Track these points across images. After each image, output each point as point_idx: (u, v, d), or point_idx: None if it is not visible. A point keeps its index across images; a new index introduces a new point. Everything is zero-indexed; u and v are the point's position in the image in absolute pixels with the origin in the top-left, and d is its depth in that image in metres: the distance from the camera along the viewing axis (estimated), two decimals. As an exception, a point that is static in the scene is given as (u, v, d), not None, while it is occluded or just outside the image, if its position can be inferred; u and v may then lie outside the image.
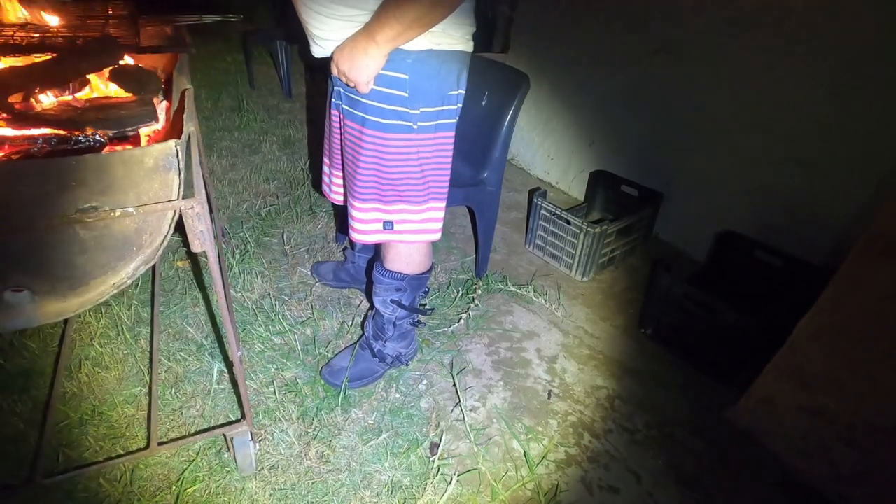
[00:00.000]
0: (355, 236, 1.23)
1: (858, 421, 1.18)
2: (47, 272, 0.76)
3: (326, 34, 1.03)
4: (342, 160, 1.24)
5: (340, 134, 1.21)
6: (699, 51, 1.91)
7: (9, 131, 1.02)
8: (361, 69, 0.98)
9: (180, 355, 1.43)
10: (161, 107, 1.19)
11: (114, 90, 1.20)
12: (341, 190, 1.34)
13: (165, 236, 0.80)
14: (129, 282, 0.81)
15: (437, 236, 1.25)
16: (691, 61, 1.95)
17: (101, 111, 1.11)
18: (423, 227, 1.22)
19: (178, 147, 0.75)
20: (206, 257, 0.85)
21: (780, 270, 1.68)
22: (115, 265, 0.79)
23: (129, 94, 1.20)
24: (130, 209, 0.74)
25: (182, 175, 0.77)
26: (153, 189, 0.76)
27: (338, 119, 1.19)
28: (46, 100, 1.11)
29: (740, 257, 1.79)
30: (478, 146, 1.73)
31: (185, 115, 0.89)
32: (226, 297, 0.95)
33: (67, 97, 1.14)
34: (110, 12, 1.25)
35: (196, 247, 0.80)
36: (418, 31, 0.94)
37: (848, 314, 1.16)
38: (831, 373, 1.21)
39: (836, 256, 1.55)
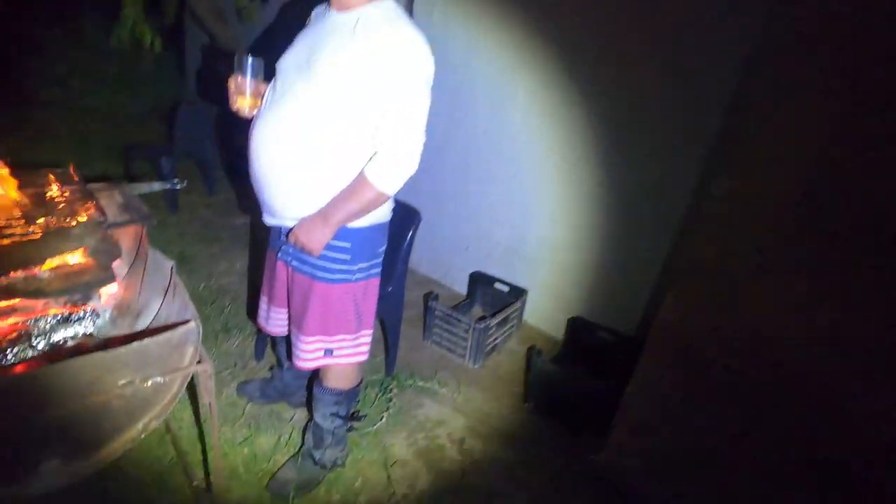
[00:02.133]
0: (301, 364, 1.49)
1: (676, 453, 1.71)
2: (79, 441, 0.91)
3: (288, 213, 1.35)
4: (287, 301, 1.52)
5: (287, 281, 1.50)
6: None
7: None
8: (316, 242, 1.31)
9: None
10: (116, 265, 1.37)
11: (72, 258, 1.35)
12: (282, 323, 1.60)
13: (177, 394, 1.00)
14: (143, 435, 0.99)
15: (367, 356, 1.57)
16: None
17: (65, 279, 1.27)
18: (357, 350, 1.54)
19: (198, 324, 0.99)
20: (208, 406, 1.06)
21: (614, 345, 2.28)
22: (135, 423, 0.97)
23: (87, 259, 1.36)
24: (159, 378, 0.95)
25: (198, 346, 1.00)
26: (174, 358, 0.98)
27: (285, 270, 1.48)
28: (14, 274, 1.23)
29: (588, 336, 2.37)
30: (383, 265, 2.11)
31: (185, 298, 1.12)
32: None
33: (33, 270, 1.27)
34: (66, 193, 1.40)
35: (206, 399, 1.01)
36: (361, 217, 1.32)
37: (653, 382, 1.73)
38: (651, 422, 1.75)
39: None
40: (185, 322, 0.98)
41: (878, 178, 1.23)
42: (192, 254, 2.97)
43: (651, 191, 2.21)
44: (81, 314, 1.13)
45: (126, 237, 1.35)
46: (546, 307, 2.68)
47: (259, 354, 2.16)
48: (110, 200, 1.44)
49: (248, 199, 3.86)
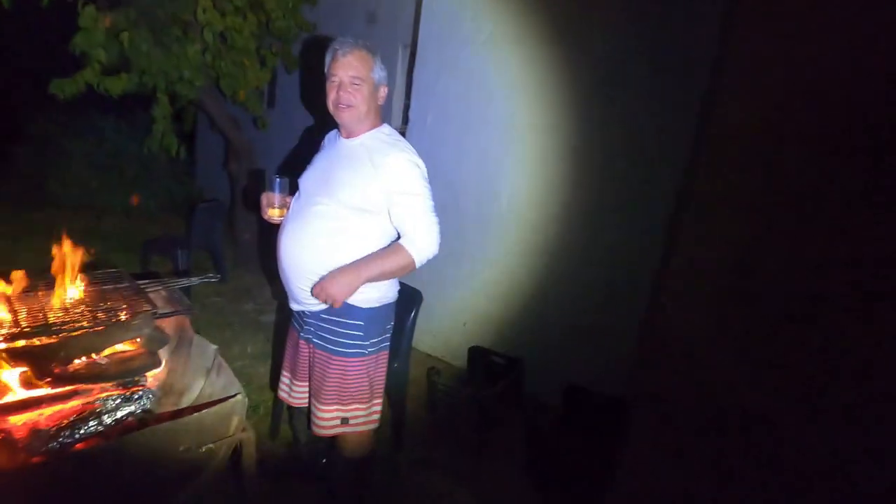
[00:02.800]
0: (319, 431, 1.65)
1: None
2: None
3: (310, 300, 1.58)
4: (308, 374, 1.71)
5: (309, 358, 1.69)
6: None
7: (49, 391, 1.34)
8: (343, 293, 1.49)
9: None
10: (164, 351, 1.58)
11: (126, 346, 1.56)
12: (303, 396, 1.76)
13: (224, 458, 1.17)
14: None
15: (378, 423, 1.73)
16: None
17: (120, 364, 1.47)
18: (370, 417, 1.70)
19: (244, 397, 1.18)
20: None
21: (606, 407, 2.43)
22: (188, 484, 1.13)
23: (137, 346, 1.56)
24: (211, 445, 1.12)
25: (243, 416, 1.19)
26: (224, 426, 1.16)
27: (307, 348, 1.69)
28: (77, 362, 1.44)
29: (582, 402, 2.51)
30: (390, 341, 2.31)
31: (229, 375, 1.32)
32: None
33: (95, 358, 1.47)
34: (121, 290, 1.64)
35: (247, 462, 1.18)
36: (384, 279, 1.55)
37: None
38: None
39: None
40: (234, 396, 1.17)
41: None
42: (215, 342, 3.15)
43: (621, 266, 2.48)
44: (140, 394, 1.32)
45: (171, 326, 1.57)
46: (546, 373, 2.84)
47: (274, 433, 2.28)
48: (157, 294, 1.67)
49: (259, 287, 4.12)
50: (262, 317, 3.66)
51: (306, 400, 1.76)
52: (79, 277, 1.57)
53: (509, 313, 2.96)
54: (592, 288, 2.61)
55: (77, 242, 1.63)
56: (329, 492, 1.74)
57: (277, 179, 1.60)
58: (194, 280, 1.79)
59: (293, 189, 1.67)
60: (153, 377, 1.51)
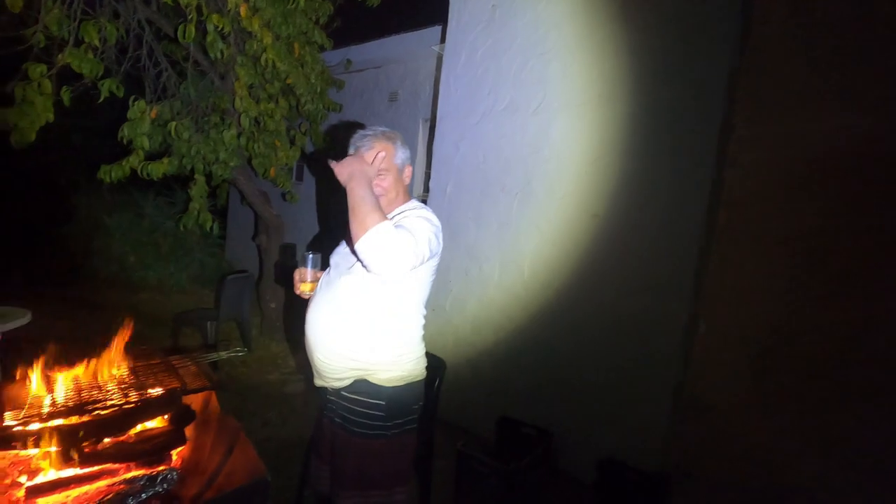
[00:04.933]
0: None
1: None
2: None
3: (335, 374, 1.58)
4: (331, 457, 1.66)
5: (330, 438, 1.65)
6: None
7: (78, 471, 1.35)
8: (344, 169, 1.44)
9: None
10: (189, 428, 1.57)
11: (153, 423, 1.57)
12: (325, 480, 1.70)
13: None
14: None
15: None
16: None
17: (146, 442, 1.48)
18: None
19: (267, 478, 1.17)
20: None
21: (640, 485, 2.28)
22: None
23: (163, 423, 1.57)
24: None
25: (267, 498, 1.16)
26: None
27: (329, 427, 1.65)
28: (105, 440, 1.45)
29: (615, 477, 2.37)
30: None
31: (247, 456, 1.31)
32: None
33: (122, 436, 1.48)
34: (152, 366, 1.68)
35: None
36: (354, 210, 1.38)
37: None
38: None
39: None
40: (259, 478, 1.16)
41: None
42: (230, 411, 3.13)
43: (651, 332, 2.42)
44: (164, 474, 1.31)
45: (198, 402, 1.58)
46: (574, 447, 2.71)
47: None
48: (186, 370, 1.70)
49: (284, 357, 4.14)
50: (286, 388, 3.64)
51: (328, 483, 1.70)
52: (115, 356, 1.62)
53: (537, 382, 2.88)
54: (622, 356, 2.54)
55: (113, 318, 1.69)
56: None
57: (310, 255, 1.65)
58: (223, 354, 1.82)
59: (325, 265, 1.72)
60: (178, 455, 1.51)
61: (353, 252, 1.61)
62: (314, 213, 5.42)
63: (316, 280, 1.68)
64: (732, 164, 1.94)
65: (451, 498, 2.48)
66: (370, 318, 1.54)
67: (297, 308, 1.66)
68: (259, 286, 4.69)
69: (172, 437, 1.50)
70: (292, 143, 4.21)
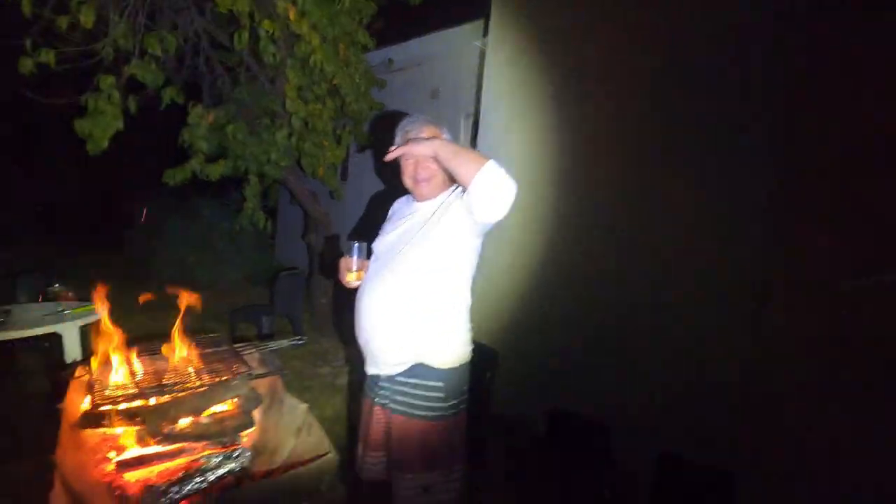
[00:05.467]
0: (399, 502, 1.61)
1: None
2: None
3: (390, 359, 1.61)
4: (383, 443, 1.68)
5: (385, 425, 1.67)
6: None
7: (160, 448, 1.43)
8: (420, 149, 1.50)
9: None
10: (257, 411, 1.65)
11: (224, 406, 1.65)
12: (376, 468, 1.70)
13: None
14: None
15: (459, 492, 1.67)
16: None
17: (218, 424, 1.55)
18: (451, 485, 1.65)
19: (334, 455, 1.21)
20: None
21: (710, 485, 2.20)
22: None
23: (234, 406, 1.65)
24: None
25: (334, 474, 1.21)
26: (315, 485, 1.18)
27: (382, 414, 1.67)
28: (183, 421, 1.53)
29: (682, 477, 2.30)
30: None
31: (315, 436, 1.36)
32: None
33: (199, 417, 1.57)
34: (220, 353, 1.78)
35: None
36: (454, 163, 1.42)
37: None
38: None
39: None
40: (325, 454, 1.20)
41: None
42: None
43: (714, 322, 2.33)
44: (239, 451, 1.38)
45: (264, 386, 1.65)
46: (630, 442, 2.65)
47: None
48: (251, 357, 1.78)
49: (334, 351, 4.26)
50: (337, 380, 3.75)
51: (378, 471, 1.70)
52: (186, 343, 1.72)
53: (592, 372, 2.83)
54: (684, 343, 2.46)
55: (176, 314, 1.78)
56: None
57: (356, 245, 1.68)
58: (283, 343, 1.89)
59: (369, 254, 1.75)
60: (247, 436, 1.58)
61: (400, 241, 1.64)
62: (359, 210, 5.55)
63: (362, 269, 1.71)
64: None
65: (502, 491, 2.48)
66: (425, 304, 1.57)
67: (346, 303, 1.70)
68: (309, 283, 4.83)
69: (242, 419, 1.58)
70: (338, 142, 4.33)
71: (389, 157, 1.54)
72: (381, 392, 1.66)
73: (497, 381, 2.74)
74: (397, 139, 1.67)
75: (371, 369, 1.70)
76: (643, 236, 2.60)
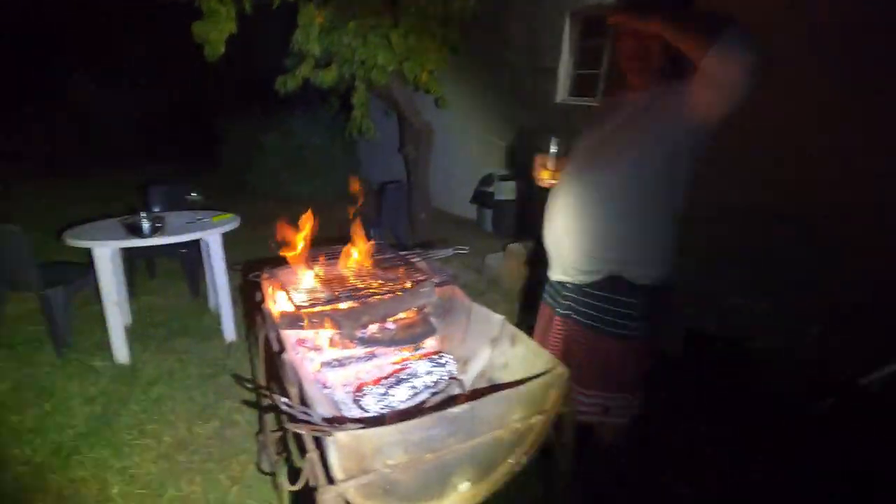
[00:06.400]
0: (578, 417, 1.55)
1: None
2: (482, 467, 1.07)
3: (581, 266, 1.47)
4: (563, 355, 1.59)
5: (564, 336, 1.57)
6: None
7: (359, 351, 1.41)
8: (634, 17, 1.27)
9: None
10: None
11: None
12: None
13: (542, 432, 1.13)
14: (516, 469, 1.12)
15: (638, 411, 1.58)
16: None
17: (404, 330, 1.52)
18: (632, 407, 1.56)
19: (565, 371, 1.13)
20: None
21: None
22: (512, 456, 1.10)
23: (414, 313, 1.60)
24: (540, 416, 1.08)
25: (563, 390, 1.13)
26: (546, 400, 1.11)
27: (562, 324, 1.56)
28: (372, 327, 1.51)
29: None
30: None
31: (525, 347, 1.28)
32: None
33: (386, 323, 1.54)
34: (395, 261, 1.74)
35: (565, 438, 1.12)
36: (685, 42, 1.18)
37: None
38: None
39: None
40: (554, 369, 1.12)
41: None
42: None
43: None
44: (446, 359, 1.35)
45: (441, 294, 1.59)
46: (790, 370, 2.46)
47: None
48: (420, 266, 1.72)
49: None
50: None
51: None
52: (361, 250, 1.67)
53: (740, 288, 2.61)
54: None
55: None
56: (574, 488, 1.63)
57: (554, 140, 1.51)
58: (448, 251, 1.81)
59: (568, 152, 1.57)
60: (433, 342, 1.55)
61: (608, 142, 1.43)
62: (453, 123, 5.28)
63: (559, 170, 1.55)
64: None
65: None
66: (629, 211, 1.39)
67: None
68: (410, 196, 4.77)
69: (425, 327, 1.54)
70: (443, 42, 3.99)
71: (611, 20, 1.29)
72: (566, 302, 1.55)
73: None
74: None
75: (557, 275, 1.59)
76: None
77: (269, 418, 1.75)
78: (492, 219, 5.22)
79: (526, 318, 2.43)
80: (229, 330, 2.86)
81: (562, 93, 4.81)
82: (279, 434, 1.89)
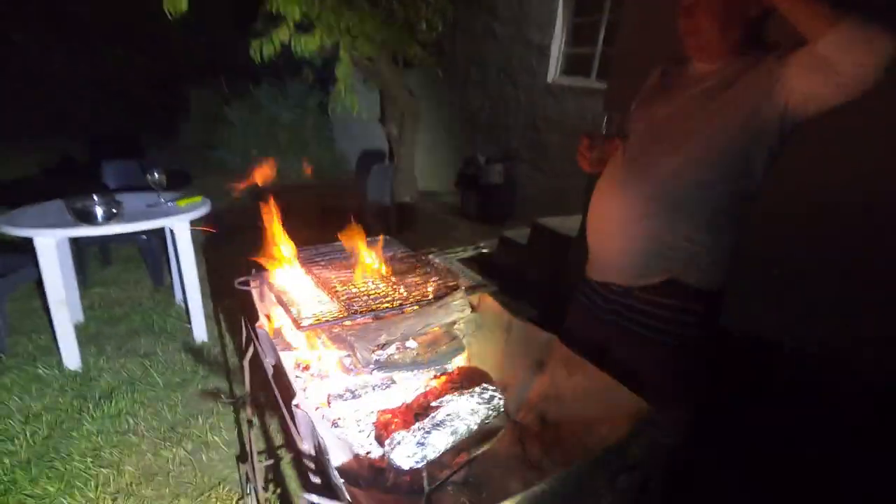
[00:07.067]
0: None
1: None
2: None
3: (629, 270, 1.25)
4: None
5: (604, 340, 1.35)
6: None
7: (375, 377, 1.15)
8: None
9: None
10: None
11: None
12: None
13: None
14: None
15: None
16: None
17: (428, 349, 1.26)
18: (676, 429, 1.36)
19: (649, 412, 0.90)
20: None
21: None
22: None
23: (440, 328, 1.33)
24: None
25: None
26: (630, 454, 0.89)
27: (602, 328, 1.35)
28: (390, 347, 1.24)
29: None
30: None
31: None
32: None
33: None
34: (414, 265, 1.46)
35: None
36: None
37: None
38: None
39: None
40: (640, 414, 0.89)
41: None
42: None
43: None
44: (488, 394, 1.09)
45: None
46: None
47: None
48: (439, 266, 1.45)
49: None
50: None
51: None
52: (370, 248, 1.39)
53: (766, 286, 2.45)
54: None
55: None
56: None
57: (606, 117, 1.24)
58: (469, 249, 1.55)
59: (622, 133, 1.30)
60: (462, 363, 1.30)
61: (674, 127, 1.20)
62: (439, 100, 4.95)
63: (611, 150, 1.30)
64: None
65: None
66: (692, 207, 1.17)
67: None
68: (394, 178, 4.46)
69: (452, 343, 1.27)
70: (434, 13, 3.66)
71: None
72: (610, 306, 1.33)
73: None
74: None
75: (601, 275, 1.35)
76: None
77: (255, 440, 1.48)
78: (477, 203, 4.96)
79: (529, 315, 2.21)
80: (200, 329, 2.53)
81: (552, 72, 4.57)
82: (270, 462, 1.62)
